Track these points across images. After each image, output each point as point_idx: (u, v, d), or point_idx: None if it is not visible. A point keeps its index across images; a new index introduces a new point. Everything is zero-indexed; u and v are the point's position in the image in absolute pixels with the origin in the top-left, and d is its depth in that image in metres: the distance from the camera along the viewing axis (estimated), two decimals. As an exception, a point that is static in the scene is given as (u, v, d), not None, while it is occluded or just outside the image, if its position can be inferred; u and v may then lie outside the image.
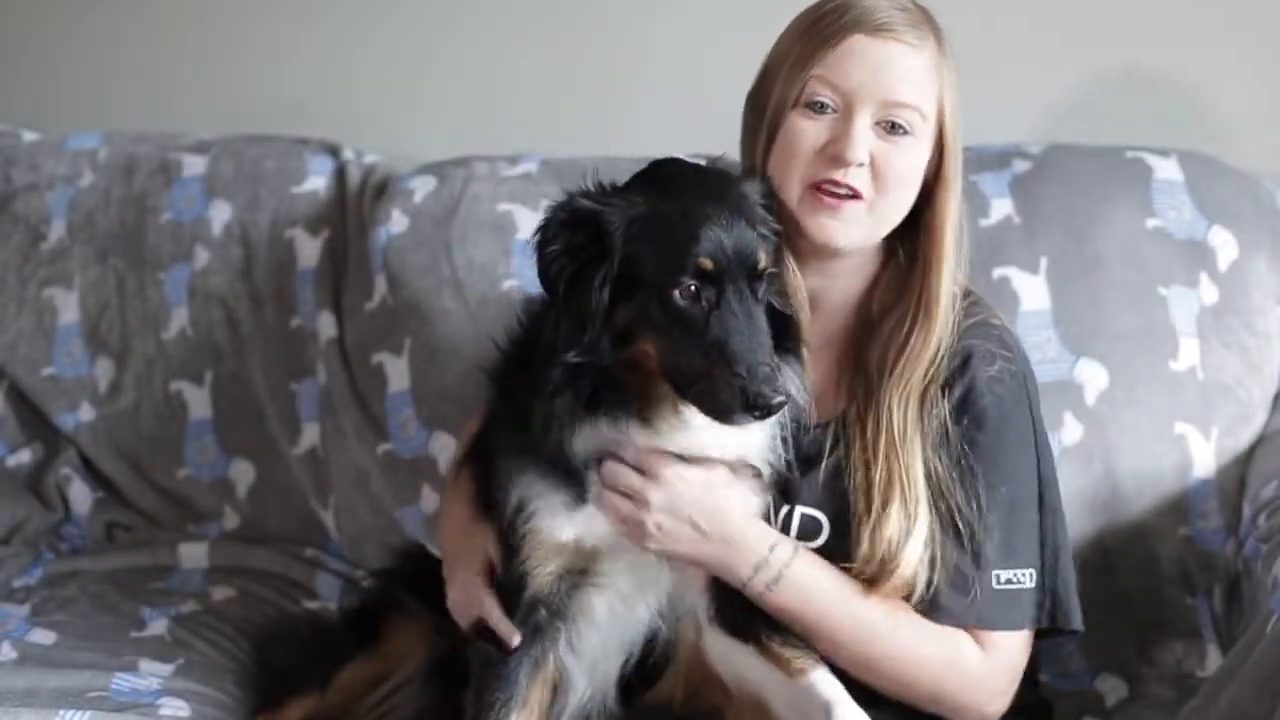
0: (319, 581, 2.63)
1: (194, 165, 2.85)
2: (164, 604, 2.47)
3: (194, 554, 2.66)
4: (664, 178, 1.84)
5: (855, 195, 1.85)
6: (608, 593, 1.87)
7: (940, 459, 1.87)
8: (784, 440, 1.86)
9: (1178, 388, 2.39)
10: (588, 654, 1.92)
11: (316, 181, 2.81)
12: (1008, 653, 1.90)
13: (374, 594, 2.25)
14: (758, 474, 1.86)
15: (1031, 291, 2.42)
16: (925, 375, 1.88)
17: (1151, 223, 2.46)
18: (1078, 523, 2.18)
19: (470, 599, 1.92)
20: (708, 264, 1.71)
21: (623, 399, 1.76)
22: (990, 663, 1.89)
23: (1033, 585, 1.89)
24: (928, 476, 1.86)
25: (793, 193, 1.88)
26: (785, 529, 1.89)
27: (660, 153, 2.68)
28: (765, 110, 1.93)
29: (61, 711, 1.96)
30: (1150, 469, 2.37)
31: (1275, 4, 2.74)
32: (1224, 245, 2.45)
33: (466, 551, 1.97)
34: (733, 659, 1.90)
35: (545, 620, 1.86)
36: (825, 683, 1.81)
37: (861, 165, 1.84)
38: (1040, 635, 1.94)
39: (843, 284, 1.96)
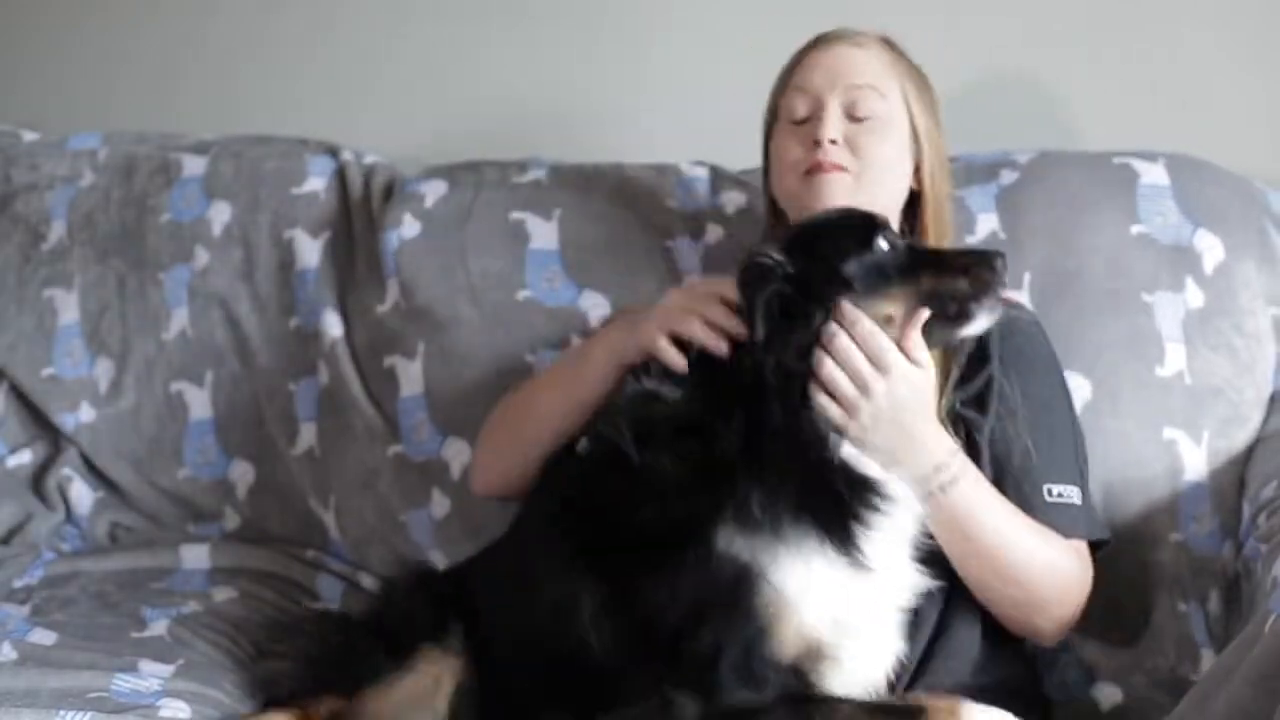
0: (320, 583, 2.64)
1: (194, 165, 2.85)
2: (165, 604, 2.47)
3: (196, 555, 2.66)
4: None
5: (840, 169, 2.05)
6: (841, 665, 1.82)
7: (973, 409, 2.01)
8: None
9: (1165, 394, 2.38)
10: None
11: (317, 182, 2.81)
12: (1079, 562, 2.03)
13: (403, 612, 2.18)
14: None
15: (1016, 308, 2.44)
16: None
17: (1136, 229, 2.45)
18: (1068, 531, 2.19)
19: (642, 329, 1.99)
20: None
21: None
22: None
23: (1080, 503, 2.03)
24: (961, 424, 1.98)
25: (792, 187, 2.11)
26: None
27: (667, 160, 2.72)
28: (767, 149, 2.21)
29: (61, 712, 1.96)
30: (1138, 476, 2.37)
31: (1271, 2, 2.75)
32: (1210, 249, 2.44)
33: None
34: None
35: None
36: None
37: (835, 142, 2.06)
38: None
39: None
